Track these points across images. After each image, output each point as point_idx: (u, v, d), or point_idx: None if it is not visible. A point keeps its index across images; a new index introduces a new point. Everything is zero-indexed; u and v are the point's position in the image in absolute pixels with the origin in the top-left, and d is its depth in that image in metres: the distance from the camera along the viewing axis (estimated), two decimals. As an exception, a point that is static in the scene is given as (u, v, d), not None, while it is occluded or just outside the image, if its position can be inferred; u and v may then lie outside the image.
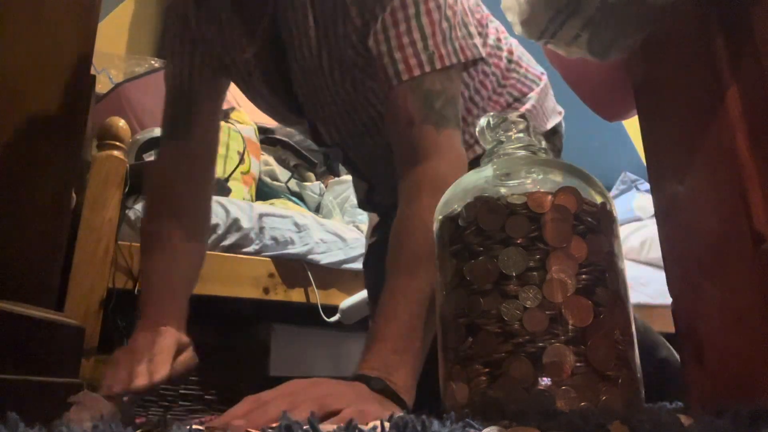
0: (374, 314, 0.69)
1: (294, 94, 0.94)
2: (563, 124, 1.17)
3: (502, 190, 0.56)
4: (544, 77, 1.11)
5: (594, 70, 0.85)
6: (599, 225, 0.55)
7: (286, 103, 0.97)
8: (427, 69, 0.71)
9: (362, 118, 0.92)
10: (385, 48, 0.72)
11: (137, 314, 0.82)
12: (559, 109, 1.17)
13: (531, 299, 0.51)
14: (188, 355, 0.78)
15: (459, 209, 0.58)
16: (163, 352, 0.73)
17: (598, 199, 0.57)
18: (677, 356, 1.10)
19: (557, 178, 0.57)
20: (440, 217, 0.61)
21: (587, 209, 0.55)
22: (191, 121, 0.93)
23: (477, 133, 0.64)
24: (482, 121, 0.64)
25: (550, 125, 1.12)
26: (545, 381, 0.49)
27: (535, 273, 0.51)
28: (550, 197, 0.54)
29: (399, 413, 0.52)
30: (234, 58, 0.93)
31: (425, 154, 0.70)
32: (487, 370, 0.51)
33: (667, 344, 1.11)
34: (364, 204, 1.23)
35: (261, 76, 0.94)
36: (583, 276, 0.52)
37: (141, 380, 0.68)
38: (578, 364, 0.49)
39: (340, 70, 0.84)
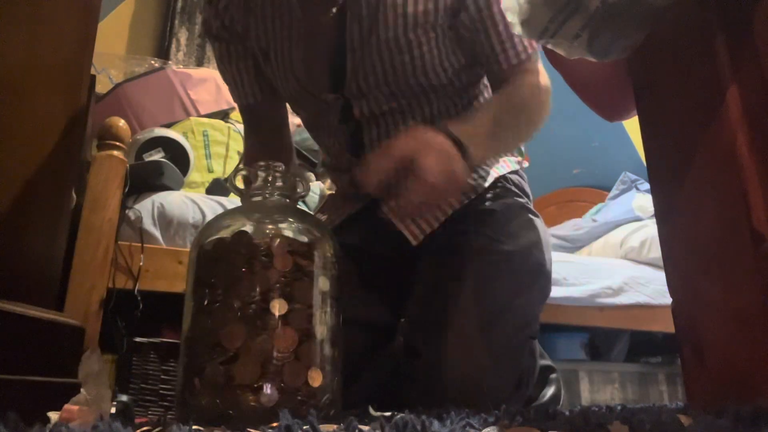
0: None
1: (335, 70, 1.02)
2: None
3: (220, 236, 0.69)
4: None
5: (594, 70, 0.85)
6: None
7: (325, 80, 1.03)
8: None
9: (403, 90, 1.01)
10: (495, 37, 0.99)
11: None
12: None
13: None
14: None
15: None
16: None
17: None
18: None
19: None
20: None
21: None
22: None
23: (243, 182, 0.78)
24: (245, 172, 0.75)
25: None
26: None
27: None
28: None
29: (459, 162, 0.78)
30: (276, 44, 1.03)
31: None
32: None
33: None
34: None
35: (306, 54, 1.02)
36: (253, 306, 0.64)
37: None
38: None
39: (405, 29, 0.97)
